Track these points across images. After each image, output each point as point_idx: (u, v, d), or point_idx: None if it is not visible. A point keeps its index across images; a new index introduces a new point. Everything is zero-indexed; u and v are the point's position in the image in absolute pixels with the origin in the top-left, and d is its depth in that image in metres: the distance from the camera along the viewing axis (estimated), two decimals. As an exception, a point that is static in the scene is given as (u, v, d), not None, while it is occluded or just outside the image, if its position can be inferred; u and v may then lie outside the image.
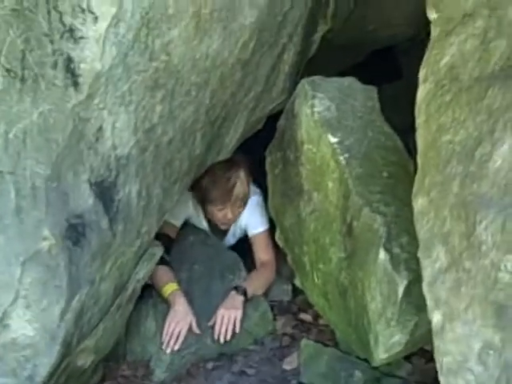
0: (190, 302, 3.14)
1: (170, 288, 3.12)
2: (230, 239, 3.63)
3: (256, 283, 3.29)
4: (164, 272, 3.17)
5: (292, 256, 3.15)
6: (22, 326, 2.09)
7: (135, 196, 2.32)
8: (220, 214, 3.35)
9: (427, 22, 2.30)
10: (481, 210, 1.81)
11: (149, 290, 3.21)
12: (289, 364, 3.00)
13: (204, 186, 3.24)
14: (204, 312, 3.14)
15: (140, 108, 2.19)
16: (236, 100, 2.64)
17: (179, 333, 3.01)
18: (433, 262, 1.96)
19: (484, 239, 1.77)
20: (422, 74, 2.25)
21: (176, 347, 2.99)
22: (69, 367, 2.46)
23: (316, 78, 2.95)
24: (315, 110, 2.80)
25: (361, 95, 3.00)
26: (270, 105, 2.97)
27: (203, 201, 3.34)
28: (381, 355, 2.48)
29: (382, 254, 2.38)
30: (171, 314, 3.06)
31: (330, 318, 2.96)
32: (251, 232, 3.48)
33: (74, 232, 2.11)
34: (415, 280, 2.30)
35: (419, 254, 2.02)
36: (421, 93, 2.22)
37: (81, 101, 2.03)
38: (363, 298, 2.53)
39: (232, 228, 3.54)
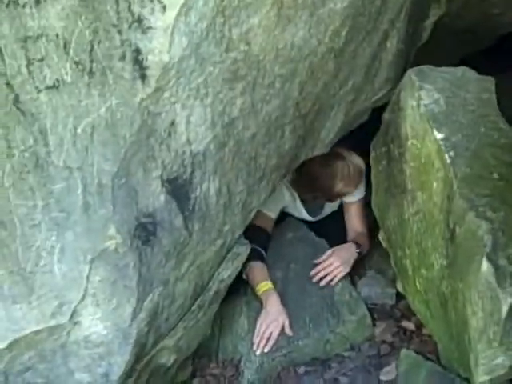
0: (285, 302, 3.02)
1: (263, 287, 3.02)
2: (327, 210, 3.52)
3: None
4: (259, 269, 3.07)
5: (394, 258, 2.95)
6: (94, 324, 2.05)
7: (214, 194, 2.21)
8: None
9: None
10: None
11: (243, 285, 3.12)
12: (386, 374, 2.82)
13: (339, 191, 3.20)
14: (298, 313, 3.01)
15: (217, 101, 2.07)
16: (330, 92, 2.46)
17: (270, 334, 2.90)
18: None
19: None
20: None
21: (266, 349, 2.89)
22: (150, 365, 2.42)
23: (424, 67, 2.71)
24: (422, 102, 2.59)
25: (475, 87, 2.73)
26: (373, 97, 2.76)
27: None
28: (481, 378, 2.25)
29: (486, 266, 2.14)
30: (263, 314, 2.96)
31: (432, 328, 2.75)
32: (347, 199, 3.36)
33: (144, 231, 2.03)
34: (523, 297, 2.07)
35: (527, 272, 1.78)
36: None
37: (149, 94, 1.93)
38: (464, 312, 2.32)
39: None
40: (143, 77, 1.90)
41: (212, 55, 1.97)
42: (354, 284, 3.22)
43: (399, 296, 3.13)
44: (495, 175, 2.41)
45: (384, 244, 3.07)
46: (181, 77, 1.95)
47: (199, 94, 2.01)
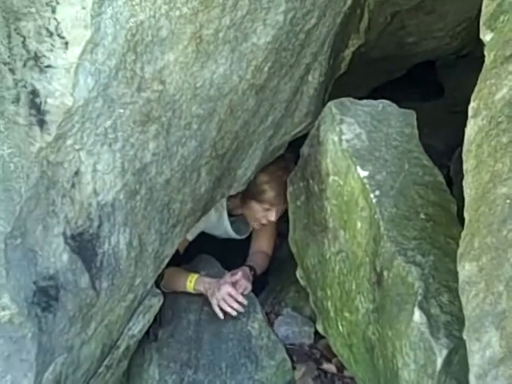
0: (199, 347, 2.84)
1: (191, 281, 2.92)
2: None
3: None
4: (176, 271, 2.94)
5: (314, 298, 2.82)
6: (-13, 403, 1.75)
7: (124, 247, 1.98)
8: (263, 213, 3.12)
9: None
10: (550, 291, 1.43)
11: (153, 329, 2.89)
12: (310, 421, 2.66)
13: (259, 184, 3.02)
14: (214, 359, 2.82)
15: (128, 146, 1.84)
16: (249, 130, 2.29)
17: (231, 297, 2.83)
18: (483, 348, 1.58)
19: (555, 332, 1.39)
20: (472, 106, 1.86)
21: (242, 309, 2.84)
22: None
23: (345, 99, 2.60)
24: (343, 137, 2.47)
25: (397, 121, 2.65)
26: (293, 131, 2.62)
27: (251, 197, 3.08)
28: (416, 429, 2.13)
29: (418, 315, 2.04)
30: (209, 294, 2.86)
31: (356, 372, 2.62)
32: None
33: (45, 296, 1.77)
34: (457, 347, 1.95)
35: (465, 335, 1.65)
36: (470, 130, 1.83)
37: (49, 143, 1.67)
38: (393, 362, 2.20)
39: None
40: (41, 123, 1.64)
41: (122, 96, 1.75)
42: (270, 323, 3.06)
43: (317, 334, 3.00)
44: (422, 215, 2.34)
45: (302, 282, 2.95)
46: (86, 121, 1.71)
47: (107, 139, 1.78)
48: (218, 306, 2.83)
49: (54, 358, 1.85)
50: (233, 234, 3.31)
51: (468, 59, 3.88)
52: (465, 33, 3.44)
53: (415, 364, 2.05)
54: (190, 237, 3.10)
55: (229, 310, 2.83)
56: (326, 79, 2.64)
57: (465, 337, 1.65)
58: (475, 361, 1.60)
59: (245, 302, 2.84)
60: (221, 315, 2.83)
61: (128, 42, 1.69)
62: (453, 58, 3.89)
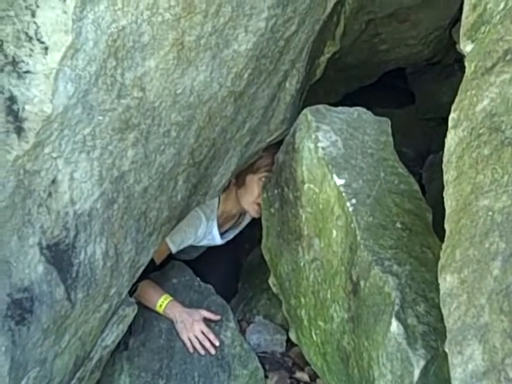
0: (171, 356, 2.80)
1: (164, 302, 2.86)
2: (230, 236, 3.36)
3: None
4: (151, 286, 2.90)
5: (287, 307, 2.79)
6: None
7: (100, 257, 1.93)
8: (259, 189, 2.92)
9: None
10: (532, 305, 1.42)
11: (123, 338, 2.83)
12: (282, 433, 2.63)
13: None
14: (186, 369, 2.78)
15: (106, 154, 1.79)
16: (227, 137, 2.26)
17: (203, 335, 2.80)
18: (465, 362, 1.57)
19: (537, 346, 1.38)
20: (452, 117, 1.85)
21: (213, 350, 2.79)
22: None
23: (321, 106, 2.58)
24: (319, 144, 2.45)
25: (372, 128, 2.64)
26: (268, 138, 2.59)
27: (246, 172, 2.92)
28: None
29: (395, 326, 2.03)
30: (180, 327, 2.82)
31: (329, 381, 2.61)
32: None
33: (18, 309, 1.71)
34: (434, 358, 1.96)
35: (447, 348, 1.64)
36: (451, 141, 1.83)
37: (26, 151, 1.62)
38: (369, 372, 2.19)
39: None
40: (19, 130, 1.58)
41: (102, 103, 1.70)
42: (242, 331, 3.03)
43: (289, 342, 2.99)
44: (398, 224, 2.33)
45: (275, 290, 2.93)
46: (65, 129, 1.65)
47: (85, 147, 1.73)
48: (189, 340, 2.80)
49: (27, 371, 1.80)
50: (219, 241, 3.26)
51: (438, 67, 3.93)
52: (436, 41, 3.48)
53: (392, 374, 2.04)
54: (174, 249, 3.03)
55: (199, 347, 2.79)
56: (302, 86, 2.63)
57: (446, 349, 1.63)
58: (457, 374, 1.58)
59: (216, 343, 2.80)
60: (191, 349, 2.79)
61: (109, 47, 1.65)
62: (423, 65, 3.92)
